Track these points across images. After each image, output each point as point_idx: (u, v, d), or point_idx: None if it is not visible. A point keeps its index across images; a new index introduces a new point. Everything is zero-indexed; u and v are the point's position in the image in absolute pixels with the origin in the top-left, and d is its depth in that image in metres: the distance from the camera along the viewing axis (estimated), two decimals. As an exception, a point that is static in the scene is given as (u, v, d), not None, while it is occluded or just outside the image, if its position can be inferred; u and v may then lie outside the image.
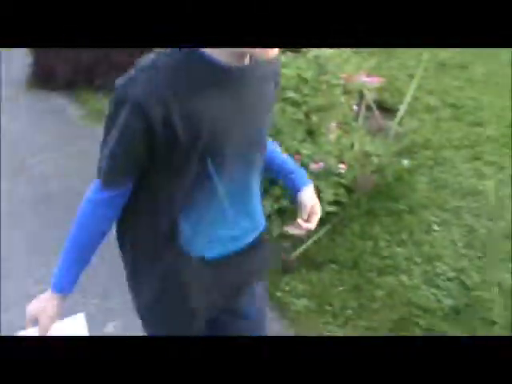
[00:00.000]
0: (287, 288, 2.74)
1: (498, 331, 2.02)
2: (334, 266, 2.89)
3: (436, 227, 3.05)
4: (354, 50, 3.26)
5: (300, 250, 2.89)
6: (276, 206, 2.81)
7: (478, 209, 3.14)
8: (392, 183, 3.28)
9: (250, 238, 1.41)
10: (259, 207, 1.43)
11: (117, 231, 1.41)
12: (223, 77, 1.22)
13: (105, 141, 1.22)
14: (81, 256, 1.33)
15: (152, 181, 1.25)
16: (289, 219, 2.71)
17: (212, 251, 1.36)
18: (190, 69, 1.19)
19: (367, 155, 3.11)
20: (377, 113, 3.61)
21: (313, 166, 2.77)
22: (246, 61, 1.25)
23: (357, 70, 3.14)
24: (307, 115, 2.92)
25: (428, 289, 2.66)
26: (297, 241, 2.85)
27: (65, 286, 1.38)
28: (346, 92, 3.11)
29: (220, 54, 1.21)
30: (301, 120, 2.88)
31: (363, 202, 3.13)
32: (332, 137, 2.94)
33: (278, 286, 2.74)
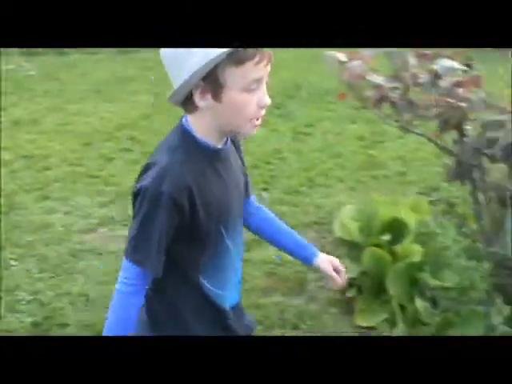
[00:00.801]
0: None
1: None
2: None
3: (13, 262, 3.51)
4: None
5: None
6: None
7: (48, 239, 3.76)
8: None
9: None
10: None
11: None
12: (215, 157, 1.43)
13: (140, 230, 1.37)
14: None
15: (176, 253, 1.43)
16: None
17: (232, 299, 1.55)
18: (194, 156, 1.38)
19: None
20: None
21: None
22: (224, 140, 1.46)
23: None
24: None
25: (13, 315, 3.02)
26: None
27: None
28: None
29: (209, 137, 1.40)
30: None
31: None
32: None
33: None
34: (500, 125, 2.72)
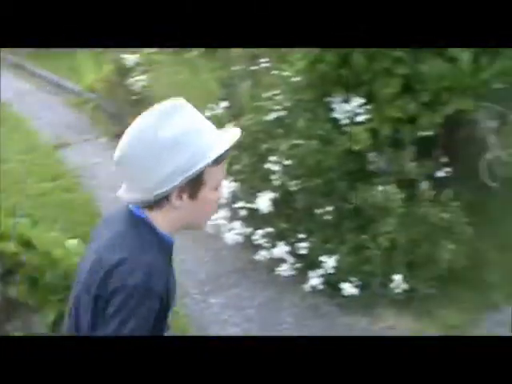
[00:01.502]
0: None
1: None
2: None
3: None
4: None
5: None
6: None
7: None
8: None
9: None
10: None
11: None
12: (171, 251, 1.42)
13: (124, 323, 1.32)
14: None
15: None
16: None
17: None
18: (163, 252, 1.39)
19: None
20: None
21: None
22: None
23: None
24: None
25: None
26: None
27: None
28: None
29: (168, 231, 1.39)
30: None
31: None
32: None
33: None
34: None
